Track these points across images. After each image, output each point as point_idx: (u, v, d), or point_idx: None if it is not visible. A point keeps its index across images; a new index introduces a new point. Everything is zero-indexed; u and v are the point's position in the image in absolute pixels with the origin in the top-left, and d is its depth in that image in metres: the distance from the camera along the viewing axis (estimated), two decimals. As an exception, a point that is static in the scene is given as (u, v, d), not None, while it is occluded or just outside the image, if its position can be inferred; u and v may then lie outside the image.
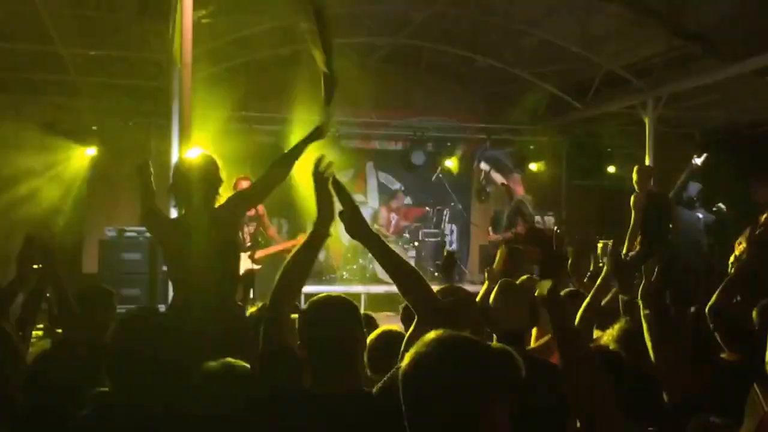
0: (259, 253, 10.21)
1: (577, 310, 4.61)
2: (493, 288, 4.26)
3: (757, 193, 10.54)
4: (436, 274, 14.87)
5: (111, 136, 14.35)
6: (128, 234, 12.75)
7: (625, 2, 10.34)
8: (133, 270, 12.25)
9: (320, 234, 3.38)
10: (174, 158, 9.42)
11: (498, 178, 15.93)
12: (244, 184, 9.86)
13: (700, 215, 11.13)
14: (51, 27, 10.56)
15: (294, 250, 3.43)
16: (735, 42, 10.35)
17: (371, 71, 16.00)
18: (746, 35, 10.10)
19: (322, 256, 15.67)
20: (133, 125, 14.52)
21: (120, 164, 14.60)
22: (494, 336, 4.01)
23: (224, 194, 5.08)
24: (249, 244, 10.16)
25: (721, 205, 12.64)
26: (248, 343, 3.87)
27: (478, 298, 4.99)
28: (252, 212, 10.09)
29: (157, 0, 8.98)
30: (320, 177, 3.39)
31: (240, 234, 9.92)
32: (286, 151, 5.33)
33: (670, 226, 10.09)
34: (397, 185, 16.60)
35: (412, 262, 13.79)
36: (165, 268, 11.40)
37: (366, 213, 15.19)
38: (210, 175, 4.97)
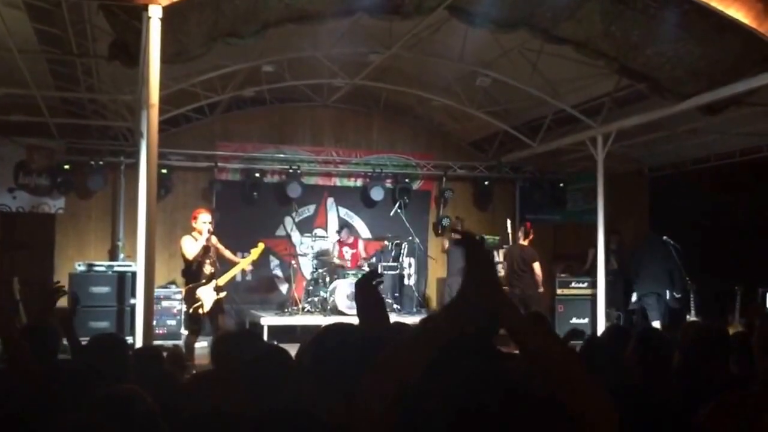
0: (222, 281, 10.45)
1: None
2: None
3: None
4: (395, 306, 15.16)
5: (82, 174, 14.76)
6: (97, 268, 13.09)
7: (575, 44, 10.62)
8: (102, 303, 12.60)
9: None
10: (142, 193, 9.82)
11: None
12: (202, 216, 10.41)
13: None
14: (26, 72, 10.80)
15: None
16: (680, 81, 10.73)
17: (331, 111, 16.53)
18: (690, 75, 10.46)
19: (284, 289, 15.94)
20: (104, 164, 14.88)
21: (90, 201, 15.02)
22: None
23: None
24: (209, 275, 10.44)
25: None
26: None
27: None
28: (207, 244, 10.33)
29: (127, 45, 9.19)
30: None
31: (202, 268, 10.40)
32: None
33: None
34: (356, 220, 16.92)
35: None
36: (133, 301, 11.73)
37: (327, 246, 15.49)
38: None
